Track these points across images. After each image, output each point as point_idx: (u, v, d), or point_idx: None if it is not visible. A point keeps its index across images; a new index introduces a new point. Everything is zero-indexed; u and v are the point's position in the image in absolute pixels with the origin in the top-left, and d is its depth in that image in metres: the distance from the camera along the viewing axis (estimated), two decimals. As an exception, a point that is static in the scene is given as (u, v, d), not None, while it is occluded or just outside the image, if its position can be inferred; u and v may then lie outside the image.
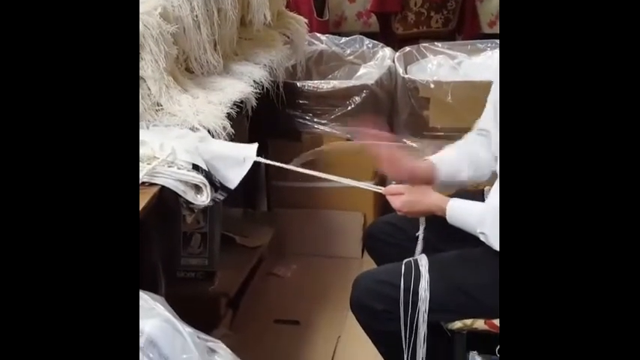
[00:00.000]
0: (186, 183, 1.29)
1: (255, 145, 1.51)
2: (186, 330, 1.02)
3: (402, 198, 1.56)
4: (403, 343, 1.45)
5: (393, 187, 1.61)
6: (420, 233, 1.61)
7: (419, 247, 1.60)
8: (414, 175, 1.62)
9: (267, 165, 2.63)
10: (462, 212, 1.50)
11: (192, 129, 1.56)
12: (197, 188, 1.30)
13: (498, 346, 1.43)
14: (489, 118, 1.57)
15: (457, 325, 1.50)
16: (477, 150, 1.64)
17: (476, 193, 1.62)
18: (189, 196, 1.27)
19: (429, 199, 1.55)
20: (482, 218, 1.44)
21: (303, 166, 1.69)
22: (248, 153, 1.49)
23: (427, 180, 1.61)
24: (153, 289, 1.36)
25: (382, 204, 2.60)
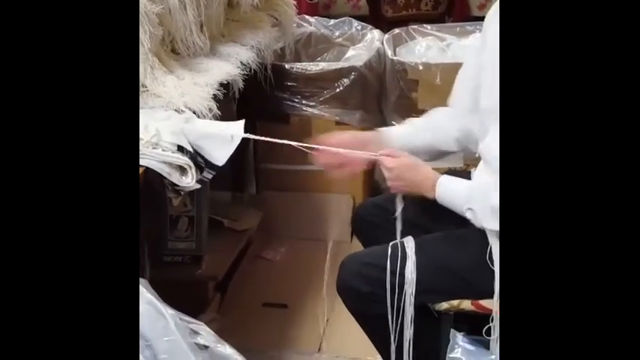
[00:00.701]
0: (170, 165, 1.28)
1: (242, 122, 1.48)
2: (168, 312, 1.01)
3: (396, 160, 1.51)
4: (390, 325, 1.45)
5: (389, 150, 1.54)
6: (398, 213, 1.58)
7: (398, 226, 1.57)
8: (362, 143, 1.57)
9: (255, 148, 2.64)
10: (451, 189, 1.47)
11: (178, 110, 1.54)
12: (182, 170, 1.29)
13: (485, 327, 1.43)
14: (463, 96, 1.58)
15: (444, 306, 1.50)
16: (440, 118, 1.66)
17: (463, 174, 1.62)
18: (174, 177, 1.26)
19: (423, 169, 1.51)
20: (469, 195, 1.43)
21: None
22: (235, 130, 1.47)
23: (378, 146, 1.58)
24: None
25: (371, 187, 2.61)
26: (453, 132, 1.62)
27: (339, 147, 1.55)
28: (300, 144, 1.52)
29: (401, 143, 1.61)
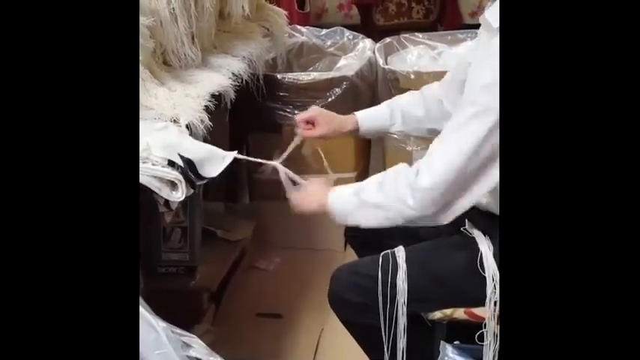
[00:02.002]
0: (161, 179, 1.27)
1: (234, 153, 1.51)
2: (159, 325, 1.01)
3: (296, 194, 1.53)
4: (383, 335, 1.45)
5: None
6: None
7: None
8: (337, 126, 1.67)
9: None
10: (341, 207, 1.44)
11: (170, 122, 1.54)
12: (172, 184, 1.29)
13: (478, 333, 1.43)
14: (452, 89, 1.60)
15: (437, 315, 1.50)
16: (409, 106, 1.70)
17: None
18: (164, 192, 1.25)
19: (314, 194, 1.49)
20: (356, 189, 1.41)
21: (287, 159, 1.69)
22: (227, 153, 1.49)
23: (351, 130, 1.68)
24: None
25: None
26: (426, 123, 1.68)
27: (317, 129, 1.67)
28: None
29: (371, 127, 1.71)
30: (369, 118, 1.71)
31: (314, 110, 1.72)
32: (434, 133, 1.52)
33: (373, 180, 1.42)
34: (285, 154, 1.64)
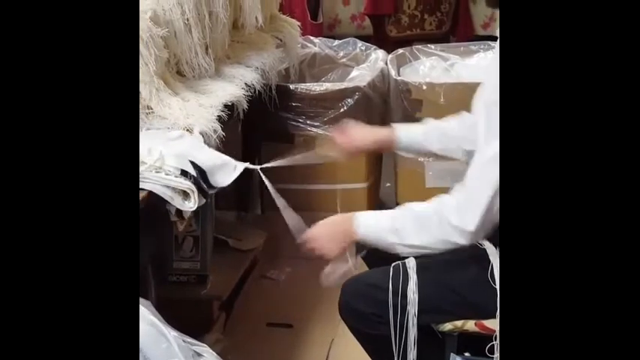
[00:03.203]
0: (173, 189, 1.28)
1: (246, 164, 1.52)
2: (171, 334, 1.02)
3: (308, 244, 1.52)
4: (393, 346, 1.45)
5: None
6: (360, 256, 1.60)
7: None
8: (375, 140, 1.67)
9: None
10: (372, 224, 1.45)
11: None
12: (185, 194, 1.30)
13: (488, 346, 1.43)
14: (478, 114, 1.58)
15: (448, 327, 1.49)
16: (450, 125, 1.67)
17: None
18: (177, 202, 1.26)
19: (332, 225, 1.50)
20: (392, 226, 1.41)
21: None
22: (239, 163, 1.51)
23: (387, 146, 1.67)
24: (142, 293, 1.36)
25: (376, 207, 2.61)
26: (464, 143, 1.63)
27: (354, 141, 1.67)
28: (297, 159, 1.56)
29: (410, 144, 1.67)
30: (408, 135, 1.69)
31: (350, 124, 1.72)
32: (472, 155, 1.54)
33: (408, 215, 1.41)
34: (298, 157, 1.65)
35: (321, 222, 1.52)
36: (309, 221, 2.55)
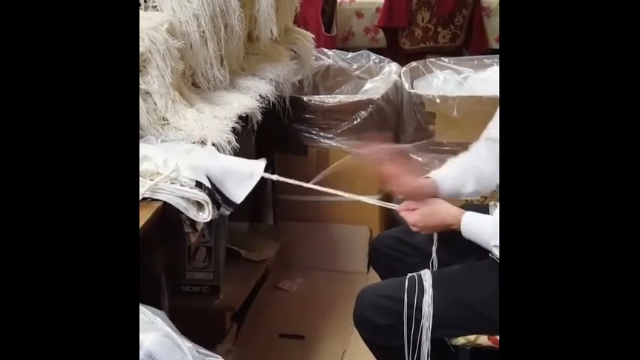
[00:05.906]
0: (188, 200, 1.29)
1: (264, 162, 1.52)
2: (185, 345, 1.02)
3: (417, 212, 1.55)
4: (406, 358, 1.44)
5: (406, 203, 1.59)
6: (434, 252, 1.61)
7: (435, 264, 1.59)
8: (419, 192, 1.61)
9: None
10: (477, 225, 1.50)
11: (197, 143, 1.57)
12: (199, 205, 1.31)
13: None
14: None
15: (461, 341, 1.49)
16: (482, 166, 1.64)
17: (481, 208, 1.62)
18: (191, 213, 1.27)
19: (445, 210, 1.54)
20: (495, 231, 1.43)
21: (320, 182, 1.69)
22: (255, 169, 1.50)
23: (430, 196, 1.61)
24: (155, 303, 1.37)
25: (388, 218, 2.61)
26: (496, 176, 1.61)
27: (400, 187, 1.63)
28: (323, 188, 1.56)
29: (449, 193, 1.65)
30: (449, 186, 1.66)
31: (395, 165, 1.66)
32: None
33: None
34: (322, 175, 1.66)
35: (435, 208, 1.55)
36: (323, 234, 2.57)
